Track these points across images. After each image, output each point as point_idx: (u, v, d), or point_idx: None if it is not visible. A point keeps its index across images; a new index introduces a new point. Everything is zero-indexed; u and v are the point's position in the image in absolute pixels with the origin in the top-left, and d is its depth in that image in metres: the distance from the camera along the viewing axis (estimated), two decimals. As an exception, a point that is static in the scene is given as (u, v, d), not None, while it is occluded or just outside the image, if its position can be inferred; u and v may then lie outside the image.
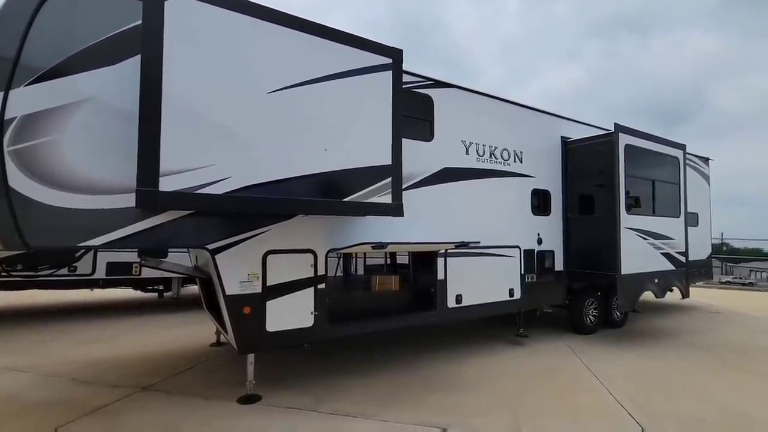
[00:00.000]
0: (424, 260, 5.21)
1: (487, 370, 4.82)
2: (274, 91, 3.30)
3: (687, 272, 7.08)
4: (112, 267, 7.37)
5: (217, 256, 3.54)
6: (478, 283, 5.40)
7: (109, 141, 2.96)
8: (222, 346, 5.59)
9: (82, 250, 7.02)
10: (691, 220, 8.73)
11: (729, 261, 21.60)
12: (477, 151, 5.51)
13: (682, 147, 7.06)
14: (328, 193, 3.64)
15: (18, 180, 2.71)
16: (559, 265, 6.45)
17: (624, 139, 6.04)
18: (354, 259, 7.11)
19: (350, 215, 4.04)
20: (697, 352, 5.78)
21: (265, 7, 3.29)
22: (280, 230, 3.86)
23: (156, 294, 8.71)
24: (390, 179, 3.92)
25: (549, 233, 6.32)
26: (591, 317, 6.78)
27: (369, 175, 3.82)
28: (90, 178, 2.92)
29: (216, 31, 3.09)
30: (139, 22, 2.96)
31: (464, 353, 5.50)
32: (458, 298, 5.17)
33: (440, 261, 5.04)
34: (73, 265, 7.04)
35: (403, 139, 4.58)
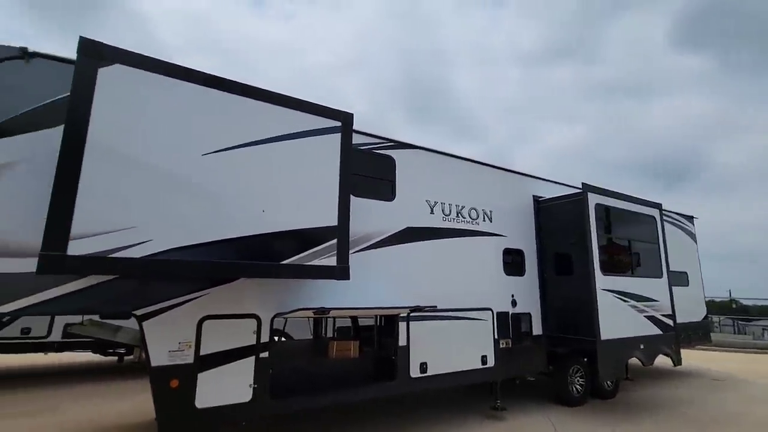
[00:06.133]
0: (387, 323, 4.92)
1: (453, 451, 4.34)
2: (210, 153, 3.28)
3: (677, 336, 6.67)
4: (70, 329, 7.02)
5: (144, 323, 3.32)
6: (446, 350, 5.05)
7: (26, 203, 2.88)
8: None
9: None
10: (681, 279, 8.43)
11: (740, 320, 20.71)
12: (443, 211, 5.43)
13: (657, 206, 6.98)
14: (266, 256, 3.48)
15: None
16: (537, 329, 6.10)
17: (594, 199, 5.97)
18: (323, 321, 6.78)
19: (289, 278, 3.83)
20: (694, 428, 5.24)
21: (205, 73, 3.35)
22: (219, 294, 3.66)
23: (116, 358, 8.22)
24: (336, 240, 3.78)
25: (524, 294, 6.05)
26: (577, 386, 6.28)
27: (312, 236, 3.68)
28: (2, 241, 2.80)
29: (150, 96, 3.11)
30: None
31: (431, 429, 5.00)
32: (423, 367, 4.80)
33: (402, 325, 4.75)
34: (27, 327, 6.72)
35: (362, 198, 4.54)
